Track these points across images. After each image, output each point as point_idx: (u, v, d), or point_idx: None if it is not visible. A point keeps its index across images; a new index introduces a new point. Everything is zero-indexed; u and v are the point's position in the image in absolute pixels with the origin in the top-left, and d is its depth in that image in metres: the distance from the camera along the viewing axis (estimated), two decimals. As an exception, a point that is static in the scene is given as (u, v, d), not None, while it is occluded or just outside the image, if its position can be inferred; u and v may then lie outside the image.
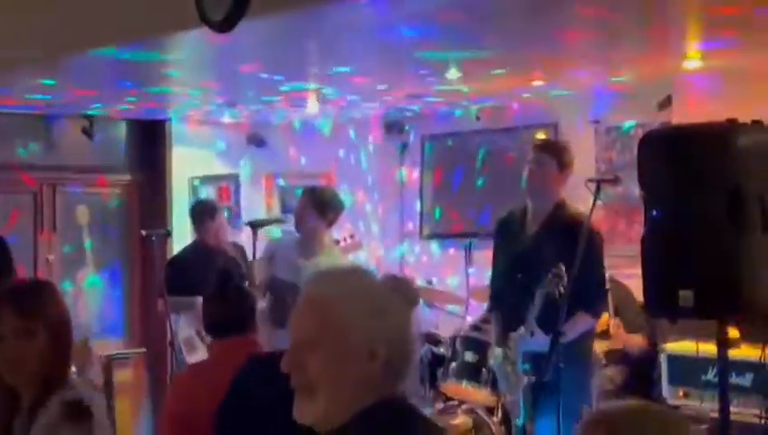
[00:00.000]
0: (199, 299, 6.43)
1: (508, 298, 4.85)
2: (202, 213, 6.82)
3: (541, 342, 4.53)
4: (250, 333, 3.60)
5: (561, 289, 4.38)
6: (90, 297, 8.05)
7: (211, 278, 6.39)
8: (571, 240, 4.49)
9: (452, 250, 7.68)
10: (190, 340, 6.60)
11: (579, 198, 4.90)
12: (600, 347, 5.72)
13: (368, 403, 1.88)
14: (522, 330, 4.61)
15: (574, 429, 1.71)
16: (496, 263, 5.11)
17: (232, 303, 3.64)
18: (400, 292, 1.97)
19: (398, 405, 1.92)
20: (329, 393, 1.88)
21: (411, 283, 2.05)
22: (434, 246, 7.91)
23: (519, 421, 4.68)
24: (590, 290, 4.55)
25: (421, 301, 6.16)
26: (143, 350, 8.24)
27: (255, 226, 6.03)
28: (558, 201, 4.85)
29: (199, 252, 6.70)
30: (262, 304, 5.24)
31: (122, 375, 8.01)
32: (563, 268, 4.37)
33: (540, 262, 4.63)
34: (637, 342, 5.83)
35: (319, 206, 5.67)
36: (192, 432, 3.40)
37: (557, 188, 4.86)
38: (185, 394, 3.55)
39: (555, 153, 4.86)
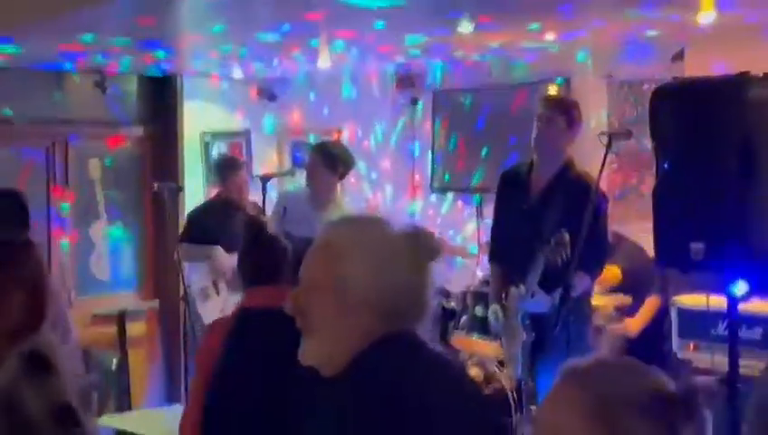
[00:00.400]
0: (217, 249, 6.54)
1: (511, 253, 4.85)
2: (227, 167, 6.92)
3: (541, 302, 4.55)
4: (284, 283, 3.57)
5: (564, 256, 4.38)
6: (104, 251, 8.09)
7: (230, 231, 6.49)
8: (577, 201, 4.49)
9: (463, 205, 7.68)
10: (205, 290, 6.69)
11: (591, 152, 4.89)
12: (611, 302, 5.75)
13: (367, 345, 1.90)
14: (522, 289, 4.62)
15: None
16: (499, 216, 5.09)
17: (266, 252, 3.63)
18: (419, 245, 1.98)
19: (403, 339, 1.93)
20: (328, 337, 1.93)
21: (432, 236, 2.04)
22: (445, 200, 7.91)
23: (518, 374, 4.71)
24: (591, 253, 4.51)
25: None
26: (156, 303, 8.31)
27: (266, 179, 6.06)
28: (566, 159, 4.82)
29: (221, 205, 6.79)
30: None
31: (136, 329, 8.09)
32: (567, 236, 4.36)
33: (545, 220, 4.64)
34: (638, 324, 5.83)
35: (330, 160, 5.69)
36: None
37: (565, 146, 4.83)
38: (216, 344, 3.54)
39: (564, 110, 4.82)
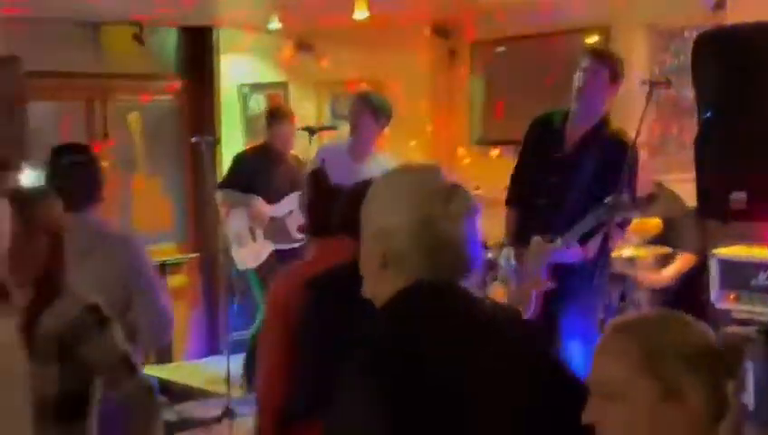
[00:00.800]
0: (257, 199, 6.57)
1: (534, 199, 4.83)
2: (276, 117, 6.87)
3: (573, 254, 4.55)
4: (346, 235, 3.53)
5: (619, 218, 4.37)
6: (143, 203, 8.16)
7: (272, 180, 6.50)
8: (611, 157, 4.50)
9: (501, 156, 7.66)
10: (240, 235, 6.72)
11: (629, 101, 4.85)
12: (651, 253, 5.73)
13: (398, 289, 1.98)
14: (558, 242, 4.59)
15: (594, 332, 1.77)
16: (526, 159, 5.02)
17: (330, 203, 3.61)
18: (455, 200, 2.00)
19: (436, 286, 1.98)
20: (367, 277, 2.06)
21: (468, 193, 2.04)
22: (483, 152, 7.89)
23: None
24: None
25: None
26: (197, 254, 8.39)
27: (312, 131, 6.06)
28: (604, 114, 4.78)
29: (265, 153, 6.79)
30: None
31: (176, 280, 8.18)
32: (625, 198, 4.34)
33: (577, 172, 4.62)
34: (665, 277, 5.79)
35: (373, 110, 5.71)
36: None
37: (606, 100, 4.78)
38: (284, 293, 3.51)
39: (609, 63, 4.75)
